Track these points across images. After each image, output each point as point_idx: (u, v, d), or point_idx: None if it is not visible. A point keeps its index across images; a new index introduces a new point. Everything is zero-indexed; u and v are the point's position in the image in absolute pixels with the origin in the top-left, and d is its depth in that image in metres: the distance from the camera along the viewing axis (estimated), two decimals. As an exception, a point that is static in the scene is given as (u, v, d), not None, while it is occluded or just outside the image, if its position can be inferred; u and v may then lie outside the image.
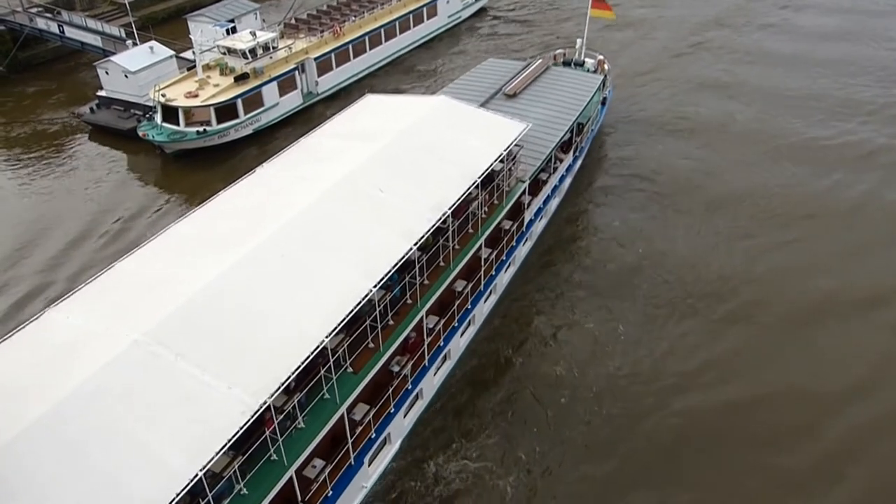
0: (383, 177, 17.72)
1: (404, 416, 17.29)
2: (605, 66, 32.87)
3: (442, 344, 18.34)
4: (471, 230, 19.22)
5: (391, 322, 16.20)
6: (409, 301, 16.71)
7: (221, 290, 13.81)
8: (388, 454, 16.93)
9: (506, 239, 21.33)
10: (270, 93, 33.61)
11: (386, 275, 14.65)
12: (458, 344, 19.61)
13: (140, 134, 31.29)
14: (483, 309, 20.87)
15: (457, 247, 18.64)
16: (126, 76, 33.99)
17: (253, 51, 33.35)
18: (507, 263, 21.97)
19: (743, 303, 22.15)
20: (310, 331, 13.28)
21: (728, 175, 28.97)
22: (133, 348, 12.44)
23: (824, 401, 18.83)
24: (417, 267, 16.84)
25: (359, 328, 14.86)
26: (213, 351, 12.72)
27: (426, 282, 17.42)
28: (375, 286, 14.28)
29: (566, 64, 33.27)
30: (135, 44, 36.67)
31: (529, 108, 25.73)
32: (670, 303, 22.10)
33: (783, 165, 29.62)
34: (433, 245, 17.51)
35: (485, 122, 20.90)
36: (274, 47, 34.69)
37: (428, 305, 17.16)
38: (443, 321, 18.03)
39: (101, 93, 35.25)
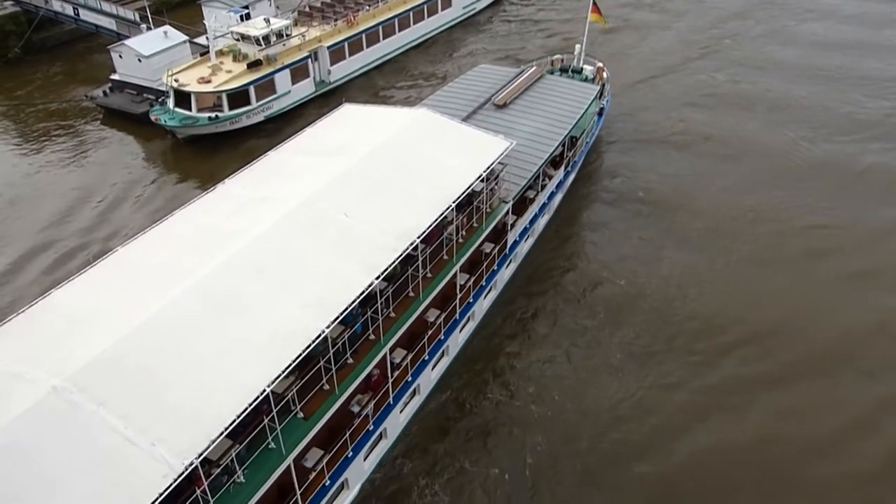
0: (350, 199, 16.45)
1: (364, 459, 16.07)
2: (604, 74, 31.49)
3: (410, 379, 17.11)
4: (445, 256, 17.94)
5: (350, 361, 14.96)
6: (372, 337, 15.46)
7: (158, 327, 12.61)
8: (345, 500, 15.72)
9: (486, 263, 20.05)
10: (283, 80, 33.41)
11: (341, 313, 13.41)
12: (430, 377, 18.37)
13: (152, 118, 31.23)
14: (458, 338, 19.61)
15: (429, 275, 17.38)
16: (139, 60, 34.08)
17: (266, 38, 33.21)
18: (488, 289, 20.70)
19: (736, 345, 20.40)
20: (252, 376, 12.06)
21: (729, 196, 27.24)
22: (51, 396, 11.26)
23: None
24: (382, 299, 15.60)
25: (311, 370, 13.62)
26: (141, 400, 11.52)
27: (393, 314, 16.17)
28: (328, 326, 13.05)
29: (564, 70, 31.96)
30: (149, 28, 36.83)
31: (519, 121, 24.40)
32: (658, 339, 20.59)
33: (791, 187, 27.77)
34: (402, 274, 16.25)
35: (466, 139, 19.58)
36: (287, 35, 34.44)
37: (393, 340, 15.92)
38: (411, 355, 16.79)
39: (115, 76, 35.35)
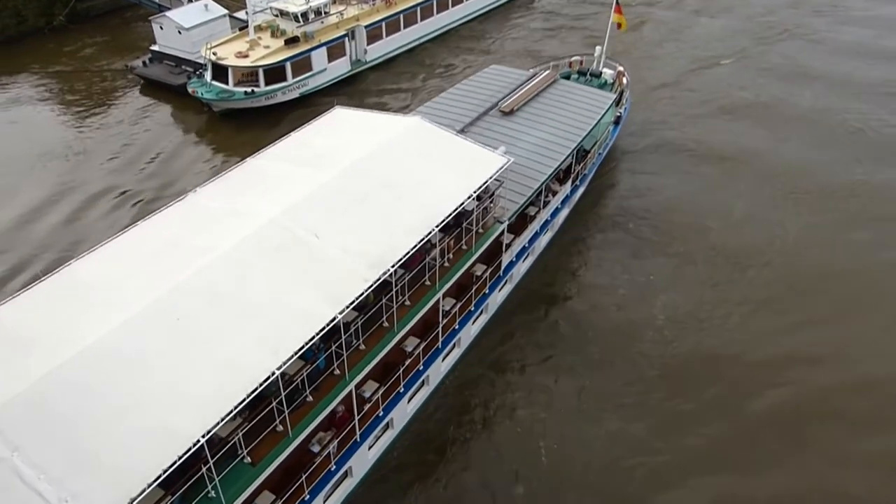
0: (324, 218, 15.18)
1: (325, 501, 14.92)
2: (624, 79, 29.70)
3: (381, 414, 15.89)
4: (428, 282, 16.61)
5: (310, 398, 13.76)
6: (337, 372, 14.23)
7: (92, 362, 11.51)
8: (302, 545, 14.62)
9: (476, 286, 18.68)
10: (319, 58, 33.47)
11: (296, 352, 12.19)
12: (405, 410, 17.14)
13: (189, 90, 31.53)
14: (441, 367, 18.32)
15: (407, 303, 16.08)
16: (179, 32, 34.46)
17: (305, 14, 33.27)
18: (477, 313, 19.34)
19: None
20: (189, 422, 10.92)
21: (750, 224, 25.06)
22: (-37, 439, 10.25)
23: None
24: (351, 331, 14.38)
25: (262, 411, 12.44)
26: (62, 447, 10.45)
27: (363, 347, 14.93)
28: (280, 367, 11.84)
29: (582, 74, 30.24)
30: (190, 0, 36.86)
31: (525, 130, 22.85)
32: (659, 389, 18.93)
33: (824, 218, 25.43)
34: (375, 303, 14.96)
35: (460, 153, 18.13)
36: (326, 12, 34.37)
37: (361, 376, 14.69)
38: (383, 389, 15.55)
39: (155, 47, 35.76)
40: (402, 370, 16.09)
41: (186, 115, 32.60)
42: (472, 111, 23.87)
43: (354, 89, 35.07)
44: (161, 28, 35.01)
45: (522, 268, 21.83)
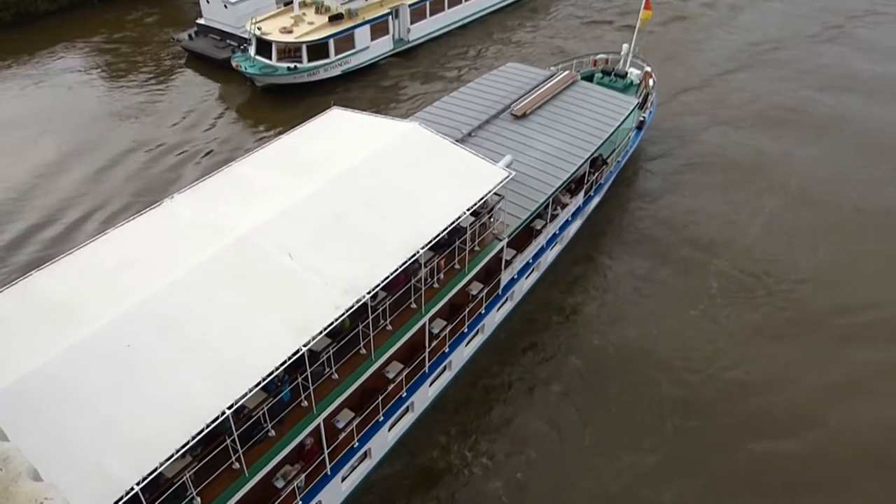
0: (301, 235, 14.13)
1: (290, 539, 14.03)
2: (651, 81, 27.91)
3: (357, 444, 14.89)
4: (413, 305, 15.47)
5: (272, 433, 12.81)
6: (305, 404, 13.24)
7: (23, 395, 10.64)
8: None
9: (471, 306, 17.49)
10: (362, 35, 33.47)
11: (252, 388, 11.21)
12: (385, 439, 16.11)
13: (233, 65, 31.87)
14: (428, 392, 17.23)
15: (389, 328, 14.99)
16: (225, 6, 34.81)
17: None
18: (471, 335, 18.15)
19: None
20: (125, 465, 10.06)
21: (783, 251, 22.88)
22: None
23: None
24: (323, 359, 13.37)
25: (214, 449, 11.52)
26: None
27: (335, 376, 13.91)
28: (232, 406, 10.88)
29: (606, 73, 28.51)
30: None
31: (536, 136, 21.43)
32: (678, 413, 17.71)
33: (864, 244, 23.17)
34: (350, 329, 13.90)
35: (457, 164, 16.85)
36: None
37: (332, 408, 13.69)
38: (359, 418, 14.54)
39: (201, 21, 36.07)
40: (381, 398, 15.05)
41: (229, 88, 32.89)
42: (482, 113, 22.51)
43: (393, 68, 34.81)
44: (207, 1, 35.33)
45: (526, 284, 20.53)
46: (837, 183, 26.30)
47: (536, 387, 18.46)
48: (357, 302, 12.89)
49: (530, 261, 19.92)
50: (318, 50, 31.78)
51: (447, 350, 17.10)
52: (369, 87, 33.23)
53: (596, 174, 22.43)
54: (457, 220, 15.09)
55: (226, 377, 11.45)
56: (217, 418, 10.74)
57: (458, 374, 18.41)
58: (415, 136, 17.27)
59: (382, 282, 13.34)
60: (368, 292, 13.06)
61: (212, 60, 34.43)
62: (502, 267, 18.30)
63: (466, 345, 18.18)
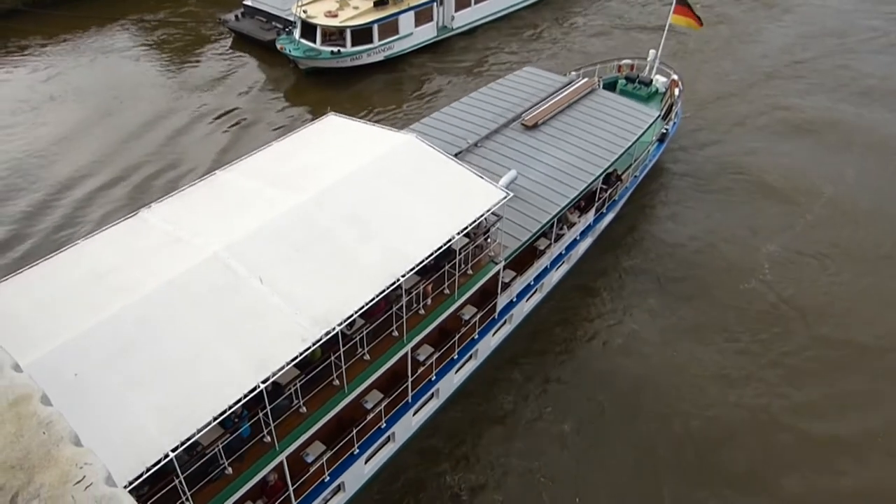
0: (277, 255, 13.24)
1: (251, 579, 13.26)
2: (677, 90, 26.35)
3: (328, 478, 14.03)
4: (395, 333, 14.52)
5: (229, 471, 12.01)
6: (267, 439, 12.41)
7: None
8: None
9: (463, 332, 16.48)
10: (407, 22, 33.18)
11: (201, 429, 10.40)
12: (362, 471, 15.23)
13: (278, 47, 31.86)
14: (412, 422, 16.29)
15: (367, 357, 14.06)
16: None
17: None
18: (462, 361, 17.14)
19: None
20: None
21: (816, 288, 21.13)
22: None
23: None
24: (290, 392, 12.53)
25: (162, 489, 10.76)
26: None
27: (303, 409, 13.05)
28: (177, 449, 10.08)
29: (630, 80, 27.06)
30: None
31: (546, 149, 20.22)
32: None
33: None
34: (322, 359, 13.01)
35: (451, 182, 15.77)
36: None
37: (298, 443, 12.84)
38: (331, 452, 13.68)
39: (247, 2, 36.09)
40: (356, 430, 14.16)
41: (273, 70, 32.89)
42: (491, 122, 21.35)
43: (435, 56, 34.28)
44: None
45: (526, 307, 19.41)
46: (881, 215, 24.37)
47: (538, 420, 17.35)
48: (326, 334, 11.97)
49: (532, 282, 18.79)
50: (362, 35, 31.72)
51: (434, 378, 16.13)
52: (408, 74, 32.92)
53: (609, 191, 21.12)
54: (445, 244, 14.06)
55: (176, 413, 10.66)
56: (160, 461, 9.96)
57: (447, 402, 17.42)
58: (409, 150, 16.23)
59: (356, 312, 12.40)
60: (339, 324, 12.13)
61: (257, 42, 34.51)
62: (499, 290, 17.21)
63: (457, 372, 17.18)
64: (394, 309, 14.13)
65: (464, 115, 21.72)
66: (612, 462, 16.41)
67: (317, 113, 28.37)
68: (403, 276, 13.21)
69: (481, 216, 14.93)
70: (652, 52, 27.45)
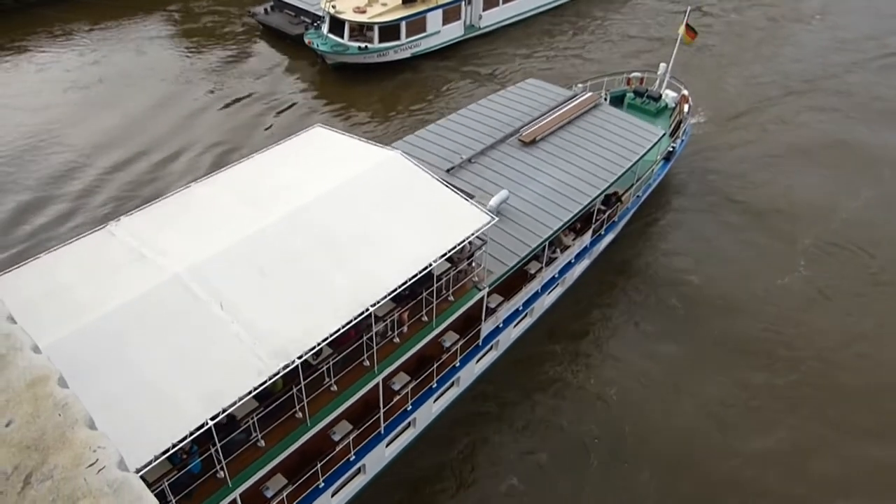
0: (241, 279, 12.59)
1: None
2: (686, 106, 25.38)
3: (289, 513, 13.36)
4: (366, 363, 13.80)
5: (176, 508, 11.38)
6: (221, 475, 11.76)
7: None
8: None
9: (443, 359, 15.72)
10: (434, 20, 33.26)
11: (141, 468, 9.75)
12: (328, 505, 14.55)
13: (305, 41, 32.21)
14: (385, 453, 15.56)
15: (334, 388, 13.37)
16: None
17: None
18: (441, 390, 16.38)
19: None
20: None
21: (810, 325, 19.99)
22: None
23: None
24: (247, 425, 11.87)
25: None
26: None
27: (261, 444, 12.38)
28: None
29: (638, 94, 26.12)
30: None
31: (542, 167, 19.42)
32: None
33: None
34: (284, 391, 12.33)
35: (435, 203, 15.01)
36: None
37: (255, 479, 12.17)
38: (292, 487, 13.00)
39: None
40: (321, 463, 13.46)
41: (300, 64, 33.13)
42: (487, 136, 20.56)
43: (461, 55, 34.19)
44: None
45: (514, 332, 18.60)
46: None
47: (525, 456, 16.55)
48: (284, 367, 11.29)
49: (520, 307, 17.98)
50: (389, 31, 31.75)
51: (409, 408, 15.40)
52: (434, 72, 32.85)
53: (608, 212, 20.24)
54: (421, 272, 13.32)
55: (120, 448, 10.02)
56: None
57: (425, 432, 16.68)
58: (393, 167, 15.50)
59: (318, 345, 11.70)
60: (299, 357, 11.44)
61: (285, 35, 34.63)
62: (483, 316, 16.43)
63: (436, 400, 16.43)
64: (364, 338, 13.40)
65: (460, 129, 20.97)
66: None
67: (343, 108, 29.78)
68: (373, 305, 12.49)
69: (463, 241, 14.19)
70: (662, 65, 26.46)
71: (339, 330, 11.99)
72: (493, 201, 17.17)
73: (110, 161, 25.76)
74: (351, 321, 12.20)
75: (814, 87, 32.06)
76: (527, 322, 19.02)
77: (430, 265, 13.46)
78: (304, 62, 33.11)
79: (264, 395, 12.02)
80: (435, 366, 15.48)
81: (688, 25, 24.75)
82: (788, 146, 27.88)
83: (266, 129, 28.00)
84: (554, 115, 21.45)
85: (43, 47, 33.55)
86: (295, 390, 12.32)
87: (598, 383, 18.19)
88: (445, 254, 13.79)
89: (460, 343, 15.98)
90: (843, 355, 18.99)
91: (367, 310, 12.43)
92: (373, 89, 31.36)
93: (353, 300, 12.60)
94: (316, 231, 13.80)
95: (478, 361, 17.42)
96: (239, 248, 13.17)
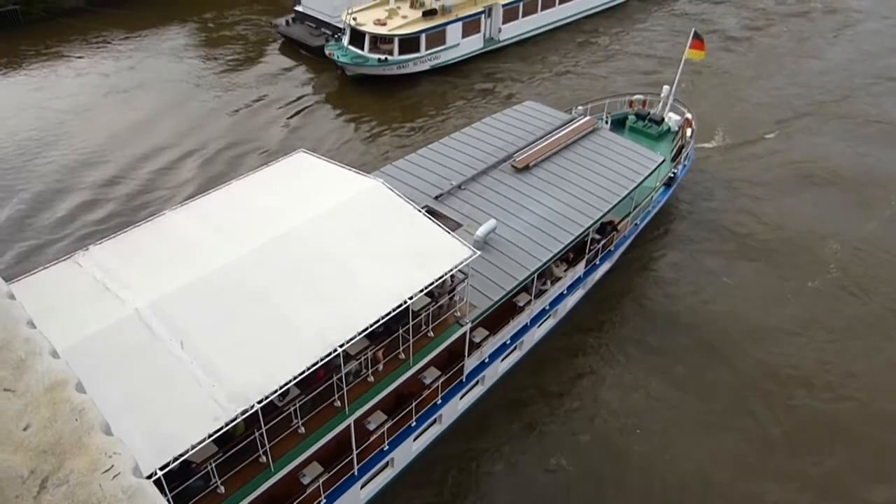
0: (205, 315, 12.07)
1: None
2: (689, 130, 24.68)
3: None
4: (337, 403, 13.18)
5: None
6: (173, 525, 11.15)
7: None
8: None
9: (423, 396, 15.07)
10: (454, 32, 33.54)
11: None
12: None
13: (326, 52, 32.57)
14: (360, 495, 14.86)
15: (301, 430, 12.74)
16: None
17: None
18: (420, 429, 15.69)
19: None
20: None
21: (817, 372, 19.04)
22: None
23: None
24: (207, 470, 11.27)
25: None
26: None
27: (221, 490, 11.77)
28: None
29: (640, 117, 25.50)
30: None
31: (535, 194, 18.81)
32: None
33: None
34: (245, 435, 11.73)
35: (415, 236, 14.43)
36: None
37: (210, 529, 11.56)
38: (254, 533, 12.35)
39: (299, 7, 37.19)
40: (289, 509, 12.83)
41: (321, 76, 33.72)
42: (480, 161, 19.99)
43: (479, 68, 34.51)
44: None
45: (502, 367, 17.90)
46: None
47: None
48: (243, 413, 10.70)
49: (508, 341, 17.29)
50: (409, 44, 32.00)
51: (386, 448, 14.73)
52: (452, 85, 33.10)
53: (603, 241, 19.54)
54: (395, 308, 12.72)
55: None
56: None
57: (405, 471, 15.98)
58: (373, 198, 14.95)
59: (280, 388, 11.12)
60: (259, 401, 10.85)
61: (306, 47, 35.21)
62: (466, 351, 15.76)
63: (415, 439, 15.75)
64: (334, 379, 12.79)
65: (452, 153, 20.43)
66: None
67: (363, 119, 30.28)
68: (342, 345, 11.89)
69: (443, 276, 13.56)
70: (666, 87, 25.88)
71: (303, 372, 11.40)
72: (480, 231, 16.58)
73: (166, 159, 26.91)
74: (317, 362, 11.61)
75: (826, 113, 31.21)
76: (515, 356, 18.31)
77: (406, 301, 12.84)
78: (324, 74, 33.57)
79: (225, 439, 11.43)
80: (414, 404, 14.83)
81: (697, 36, 24.10)
82: (799, 175, 27.02)
83: (284, 128, 29.29)
84: (549, 140, 20.84)
85: (79, 53, 34.93)
86: (257, 434, 11.72)
87: (582, 425, 17.41)
88: (423, 289, 13.19)
89: (442, 379, 15.32)
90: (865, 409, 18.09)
91: (335, 350, 11.83)
92: (391, 101, 31.52)
93: (322, 339, 12.00)
94: (288, 264, 13.26)
95: (461, 398, 16.72)
96: (206, 282, 12.66)
